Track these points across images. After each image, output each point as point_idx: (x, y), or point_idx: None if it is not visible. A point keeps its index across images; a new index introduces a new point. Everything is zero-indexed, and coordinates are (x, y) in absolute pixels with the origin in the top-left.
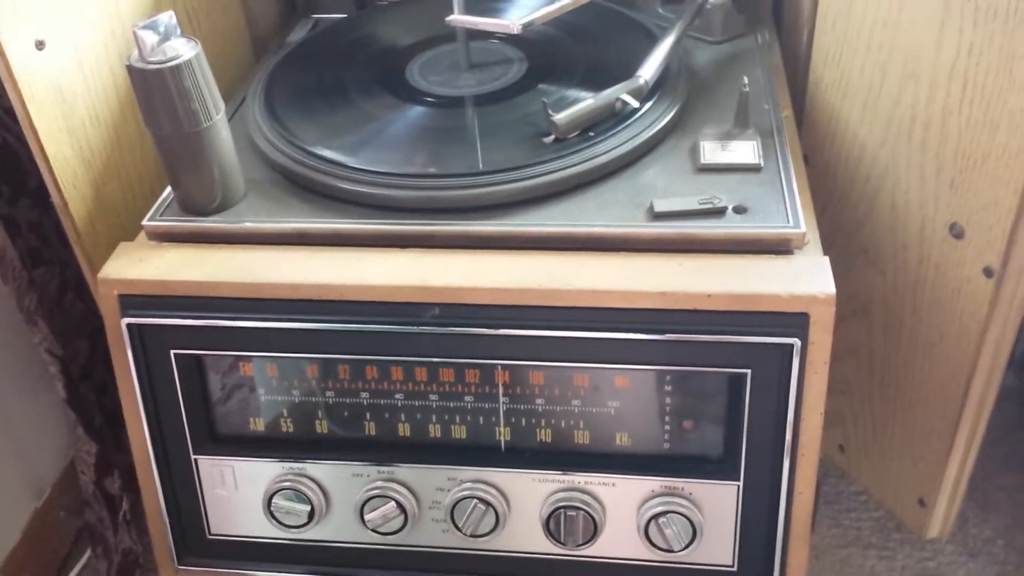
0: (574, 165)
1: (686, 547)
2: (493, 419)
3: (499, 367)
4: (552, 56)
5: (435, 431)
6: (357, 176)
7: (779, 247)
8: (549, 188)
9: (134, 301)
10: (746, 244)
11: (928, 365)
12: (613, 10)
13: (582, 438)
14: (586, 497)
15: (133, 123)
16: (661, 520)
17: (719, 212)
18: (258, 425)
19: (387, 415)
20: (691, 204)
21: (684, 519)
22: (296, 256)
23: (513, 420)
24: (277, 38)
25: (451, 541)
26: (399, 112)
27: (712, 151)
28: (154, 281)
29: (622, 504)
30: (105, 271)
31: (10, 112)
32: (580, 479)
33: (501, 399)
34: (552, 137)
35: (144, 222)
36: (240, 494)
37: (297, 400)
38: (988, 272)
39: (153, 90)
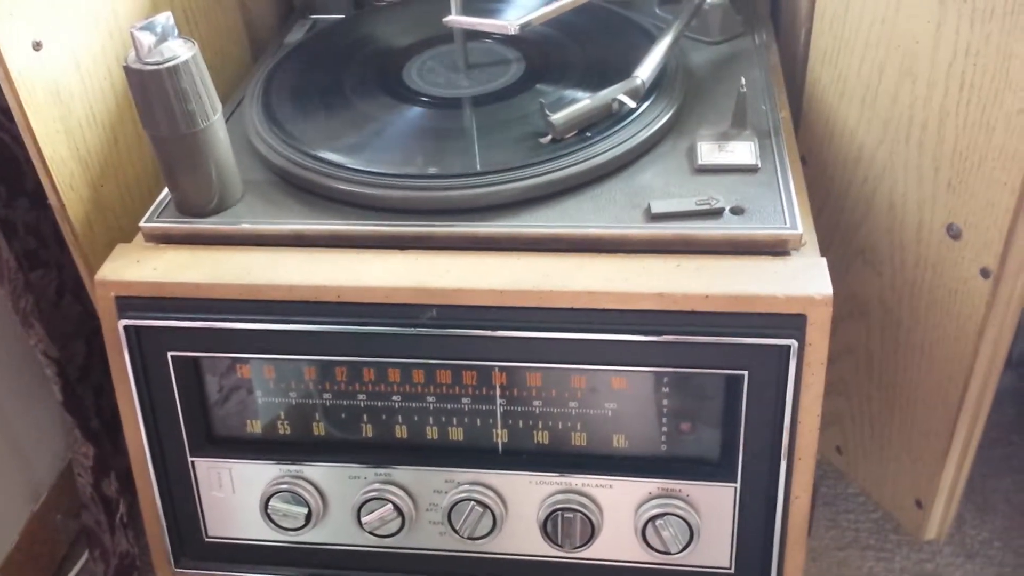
0: (571, 166)
1: (683, 549)
2: (490, 421)
3: (496, 369)
4: (549, 56)
5: (432, 433)
6: (354, 177)
7: (776, 248)
8: (546, 189)
9: (131, 303)
10: (743, 245)
11: (926, 366)
12: (610, 10)
13: (579, 440)
14: (583, 499)
15: (130, 124)
16: (658, 522)
17: (716, 213)
18: (255, 427)
19: (384, 417)
20: (688, 205)
21: (681, 521)
22: (293, 257)
23: (510, 422)
24: (275, 39)
25: (448, 543)
26: (396, 113)
27: (709, 152)
28: (151, 283)
29: (619, 506)
30: (102, 273)
31: (7, 113)
32: (577, 481)
33: (498, 401)
34: (549, 137)
35: (141, 223)
36: (237, 496)
37: (294, 402)
38: (985, 273)
39: (150, 91)
